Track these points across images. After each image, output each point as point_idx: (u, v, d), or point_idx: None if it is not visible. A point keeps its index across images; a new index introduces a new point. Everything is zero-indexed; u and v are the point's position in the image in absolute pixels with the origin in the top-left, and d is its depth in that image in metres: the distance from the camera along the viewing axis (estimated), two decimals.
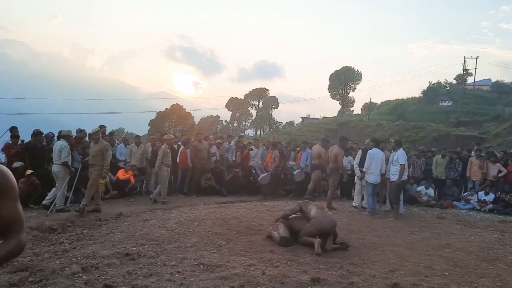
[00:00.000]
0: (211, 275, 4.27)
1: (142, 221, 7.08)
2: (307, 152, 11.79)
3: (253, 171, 11.57)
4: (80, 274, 4.18)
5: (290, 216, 6.27)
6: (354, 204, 9.85)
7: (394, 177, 8.70)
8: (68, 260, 4.69)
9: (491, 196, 10.69)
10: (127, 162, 10.74)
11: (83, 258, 4.72)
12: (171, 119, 55.97)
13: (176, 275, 4.24)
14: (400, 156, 8.64)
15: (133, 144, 11.17)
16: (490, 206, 10.45)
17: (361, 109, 68.80)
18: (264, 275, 4.32)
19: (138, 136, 12.06)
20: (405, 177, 8.89)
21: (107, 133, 11.41)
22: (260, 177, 11.08)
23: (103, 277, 4.10)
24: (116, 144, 11.49)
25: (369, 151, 9.09)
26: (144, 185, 10.96)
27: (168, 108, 57.85)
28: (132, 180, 10.28)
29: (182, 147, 11.14)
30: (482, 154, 11.88)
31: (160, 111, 58.02)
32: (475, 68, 57.41)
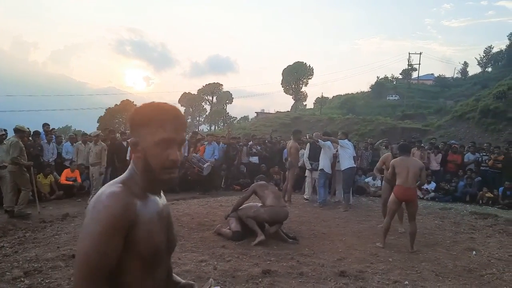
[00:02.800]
0: None
1: None
2: (213, 145, 11.73)
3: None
4: (22, 279, 4.01)
5: (239, 208, 6.21)
6: (305, 197, 10.09)
7: (343, 165, 9.04)
8: (9, 264, 4.47)
9: (432, 185, 11.32)
10: (73, 161, 10.33)
11: (26, 262, 4.52)
12: (122, 116, 54.25)
13: None
14: (346, 143, 9.13)
15: (80, 142, 10.74)
16: (432, 194, 11.08)
17: (314, 103, 70.03)
18: (216, 270, 4.34)
19: (85, 134, 11.60)
20: (352, 164, 9.18)
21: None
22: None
23: (47, 281, 3.95)
24: (62, 143, 11.05)
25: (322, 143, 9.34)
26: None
27: (118, 104, 56.01)
28: (79, 180, 9.90)
29: None
30: (422, 145, 12.55)
31: (109, 107, 56.18)
32: (419, 64, 60.42)
